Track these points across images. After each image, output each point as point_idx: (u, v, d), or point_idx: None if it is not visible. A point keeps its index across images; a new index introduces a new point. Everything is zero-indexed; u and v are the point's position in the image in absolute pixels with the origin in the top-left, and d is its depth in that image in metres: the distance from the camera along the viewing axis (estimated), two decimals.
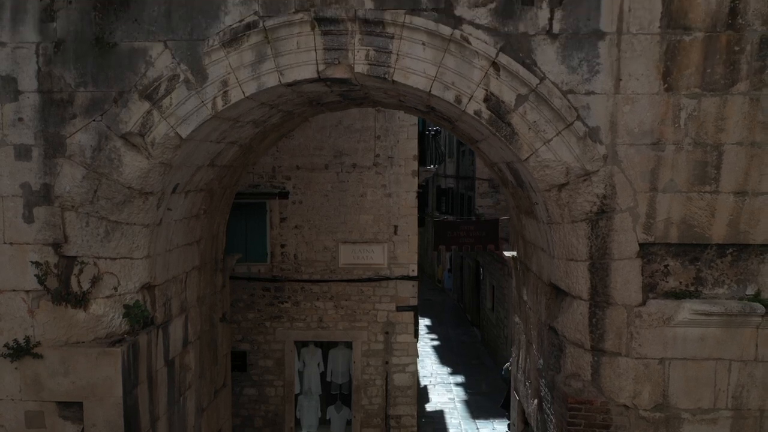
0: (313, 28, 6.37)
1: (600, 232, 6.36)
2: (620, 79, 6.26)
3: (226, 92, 6.55)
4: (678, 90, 6.23)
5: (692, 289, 6.37)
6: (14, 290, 6.82)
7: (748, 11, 6.12)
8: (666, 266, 6.37)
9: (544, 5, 6.25)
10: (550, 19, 6.26)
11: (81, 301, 6.83)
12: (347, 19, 6.31)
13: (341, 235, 13.65)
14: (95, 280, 6.88)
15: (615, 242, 6.35)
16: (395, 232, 13.62)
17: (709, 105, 6.22)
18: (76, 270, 6.83)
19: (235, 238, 12.83)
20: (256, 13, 6.42)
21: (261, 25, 6.36)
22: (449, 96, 6.41)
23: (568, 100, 6.28)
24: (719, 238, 6.32)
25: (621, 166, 6.28)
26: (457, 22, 6.30)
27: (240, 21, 6.43)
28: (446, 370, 20.91)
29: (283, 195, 13.58)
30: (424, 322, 25.44)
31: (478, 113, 6.39)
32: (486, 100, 6.34)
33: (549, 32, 6.27)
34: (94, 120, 6.65)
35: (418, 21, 6.26)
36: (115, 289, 6.97)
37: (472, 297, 26.27)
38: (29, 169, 6.75)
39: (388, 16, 6.27)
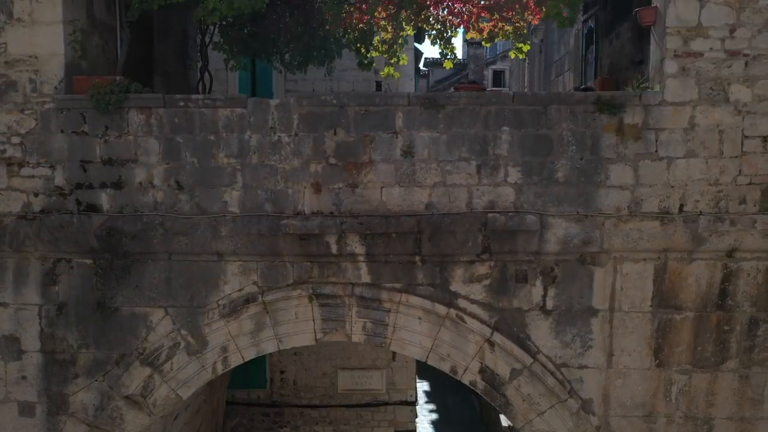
0: (311, 301, 6.50)
1: None
2: (613, 354, 6.39)
3: (225, 358, 6.68)
4: (669, 366, 6.36)
5: None
6: None
7: (737, 293, 6.26)
8: None
9: (538, 283, 6.38)
10: (544, 296, 6.39)
11: None
12: (344, 295, 6.43)
13: (340, 361, 13.74)
14: None
15: None
16: (393, 358, 13.73)
17: (700, 381, 6.36)
18: None
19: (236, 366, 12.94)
20: (255, 283, 6.55)
21: (260, 299, 6.49)
22: (445, 366, 6.55)
23: (562, 374, 6.42)
24: None
25: None
26: (452, 296, 6.43)
27: (239, 290, 6.55)
28: None
29: None
30: (422, 387, 25.53)
31: (473, 383, 6.52)
32: (481, 371, 6.48)
33: (543, 308, 6.40)
34: (96, 380, 6.76)
35: (414, 300, 6.39)
36: None
37: None
38: (33, 425, 6.87)
39: (384, 294, 6.39)
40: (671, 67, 6.05)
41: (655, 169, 6.13)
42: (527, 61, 15.41)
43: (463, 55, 37.92)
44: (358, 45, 9.11)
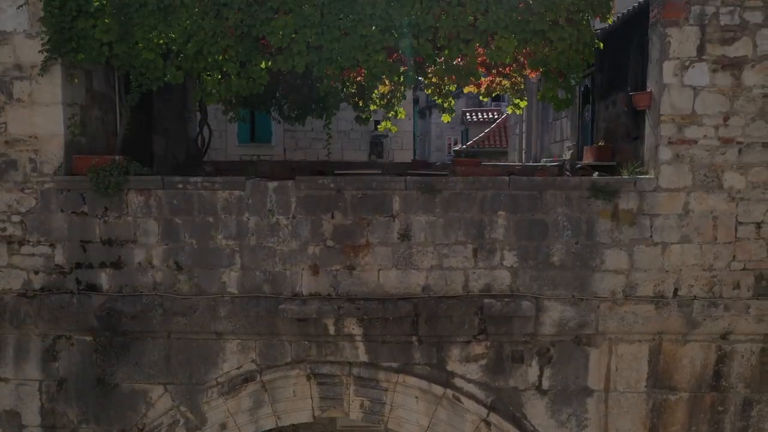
0: (309, 380, 6.56)
1: None
2: None
3: None
4: None
5: None
6: None
7: (731, 374, 6.32)
8: None
9: (534, 363, 6.44)
10: (540, 376, 6.45)
11: None
12: (342, 375, 6.49)
13: None
14: None
15: None
16: None
17: None
18: None
19: None
20: (253, 361, 6.60)
21: (259, 377, 6.55)
22: None
23: None
24: None
25: None
26: (449, 375, 6.49)
27: (238, 368, 6.61)
28: None
29: None
30: None
31: None
32: None
33: (539, 388, 6.46)
34: None
35: (411, 380, 6.45)
36: None
37: None
38: None
39: (381, 374, 6.45)
40: (666, 153, 6.10)
41: (650, 254, 6.19)
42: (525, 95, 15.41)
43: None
44: (356, 99, 9.19)
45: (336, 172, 9.15)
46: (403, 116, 9.83)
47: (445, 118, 9.57)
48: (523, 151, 15.13)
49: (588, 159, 8.07)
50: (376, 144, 13.29)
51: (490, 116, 27.24)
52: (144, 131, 8.37)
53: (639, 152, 6.86)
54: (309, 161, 10.21)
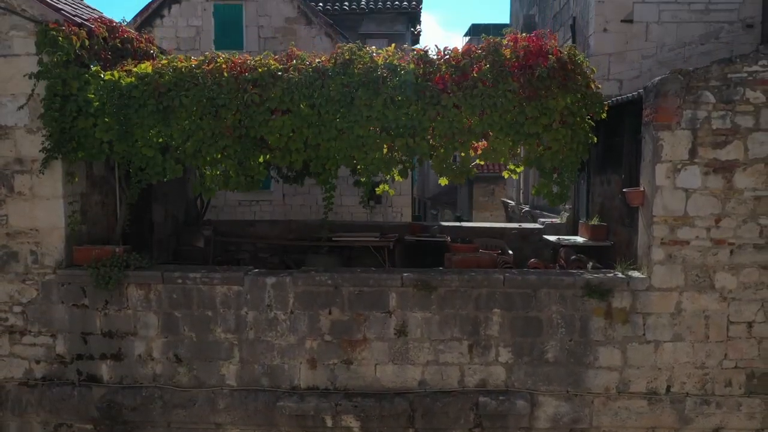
0: None
1: None
2: None
3: None
4: None
5: None
6: None
7: None
8: None
9: None
10: None
11: None
12: None
13: None
14: None
15: None
16: None
17: None
18: None
19: None
20: None
21: None
22: None
23: None
24: None
25: None
26: None
27: None
28: None
29: None
30: None
31: None
32: None
33: None
34: None
35: None
36: None
37: None
38: None
39: None
40: (658, 254, 6.18)
41: (643, 352, 6.28)
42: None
43: None
44: (354, 162, 9.25)
45: (333, 238, 9.29)
46: (401, 179, 9.88)
47: (443, 181, 9.64)
48: (521, 191, 15.24)
49: (583, 235, 8.16)
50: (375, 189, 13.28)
51: None
52: (143, 198, 8.44)
53: (633, 240, 6.95)
54: (307, 222, 10.27)
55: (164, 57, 7.02)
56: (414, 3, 15.94)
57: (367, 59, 6.49)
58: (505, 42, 6.41)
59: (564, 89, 6.20)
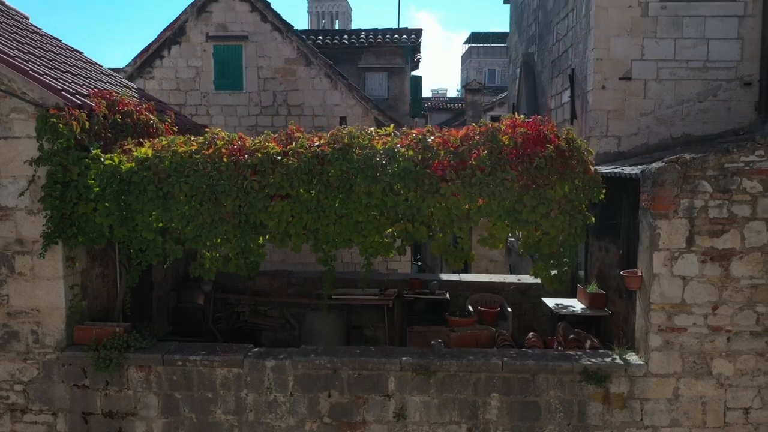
0: None
1: None
2: None
3: None
4: None
5: None
6: None
7: None
8: None
9: None
10: None
11: None
12: None
13: None
14: None
15: None
16: None
17: None
18: None
19: None
20: None
21: None
22: None
23: None
24: None
25: None
26: None
27: None
28: None
29: None
30: None
31: None
32: None
33: None
34: None
35: None
36: None
37: None
38: None
39: None
40: (656, 340, 6.22)
41: None
42: None
43: (461, 102, 38.14)
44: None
45: (333, 296, 9.30)
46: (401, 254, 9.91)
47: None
48: None
49: (582, 300, 8.19)
50: None
51: None
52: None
53: (630, 316, 6.99)
54: (307, 275, 10.29)
55: (164, 137, 7.03)
56: (413, 37, 15.97)
57: (366, 142, 6.52)
58: (503, 128, 6.44)
59: (562, 177, 6.23)
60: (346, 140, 6.52)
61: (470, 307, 9.24)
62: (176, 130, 8.44)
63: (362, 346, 9.84)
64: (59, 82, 7.07)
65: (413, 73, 18.81)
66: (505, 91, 29.92)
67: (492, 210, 6.23)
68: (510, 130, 6.37)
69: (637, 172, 6.58)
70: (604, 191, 6.70)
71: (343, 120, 13.20)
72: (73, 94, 6.91)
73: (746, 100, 9.39)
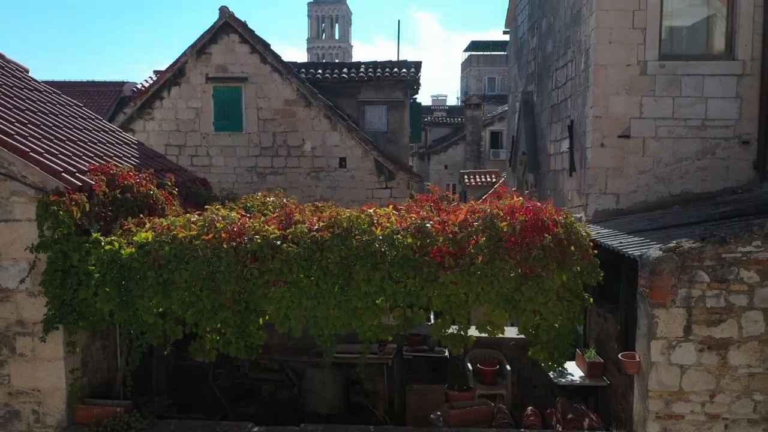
0: None
1: None
2: None
3: None
4: None
5: None
6: None
7: None
8: None
9: None
10: None
11: None
12: None
13: None
14: None
15: None
16: None
17: None
18: None
19: None
20: None
21: None
22: None
23: None
24: None
25: None
26: None
27: None
28: None
29: None
30: None
31: None
32: None
33: None
34: None
35: None
36: None
37: None
38: None
39: None
40: (654, 427, 6.25)
41: None
42: None
43: (460, 117, 38.21)
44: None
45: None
46: None
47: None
48: None
49: (580, 366, 8.22)
50: None
51: (488, 179, 27.34)
52: None
53: (627, 393, 7.02)
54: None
55: (164, 218, 7.05)
56: (413, 71, 16.00)
57: (366, 226, 6.55)
58: (501, 214, 6.47)
59: (561, 265, 6.26)
60: (345, 224, 6.55)
61: (469, 365, 9.28)
62: (176, 192, 8.47)
63: (360, 401, 9.94)
64: (59, 158, 7.11)
65: (413, 98, 18.81)
66: (505, 102, 29.98)
67: (490, 298, 6.26)
68: (509, 217, 6.40)
69: (637, 254, 6.61)
70: (602, 266, 6.73)
71: (342, 161, 13.23)
72: (73, 173, 6.94)
73: (744, 159, 9.43)
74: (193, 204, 8.98)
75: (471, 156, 34.22)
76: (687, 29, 9.80)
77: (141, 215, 7.27)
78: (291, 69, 13.37)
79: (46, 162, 6.75)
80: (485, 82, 58.58)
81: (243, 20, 13.90)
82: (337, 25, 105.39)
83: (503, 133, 33.97)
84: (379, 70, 16.00)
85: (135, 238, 6.60)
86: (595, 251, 6.73)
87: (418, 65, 16.45)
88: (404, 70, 15.93)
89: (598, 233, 8.32)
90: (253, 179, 13.17)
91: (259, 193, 9.30)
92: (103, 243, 6.60)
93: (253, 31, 13.29)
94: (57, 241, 6.42)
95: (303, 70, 16.03)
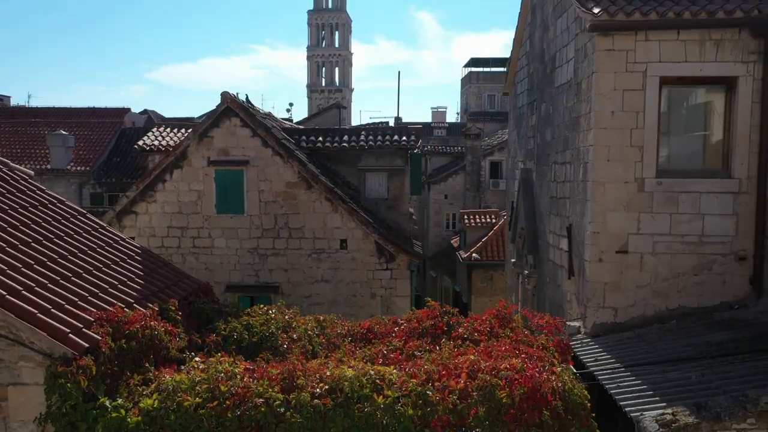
0: None
1: None
2: None
3: None
4: None
5: None
6: None
7: None
8: None
9: None
10: None
11: None
12: None
13: None
14: None
15: None
16: None
17: None
18: None
19: None
20: None
21: None
22: None
23: None
24: None
25: None
26: None
27: None
28: None
29: None
30: None
31: None
32: None
33: None
34: None
35: None
36: None
37: None
38: None
39: None
40: None
41: None
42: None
43: (461, 146, 38.33)
44: None
45: None
46: None
47: None
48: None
49: None
50: None
51: (487, 220, 27.45)
52: None
53: None
54: None
55: (169, 380, 7.17)
56: (413, 139, 16.11)
57: (368, 391, 6.67)
58: (501, 383, 6.59)
59: None
60: (346, 390, 6.67)
61: None
62: (179, 316, 8.59)
63: None
64: (65, 311, 7.22)
65: (412, 152, 18.91)
66: (505, 122, 30.04)
67: (486, 426, 6.38)
68: (508, 389, 6.52)
69: (636, 414, 6.74)
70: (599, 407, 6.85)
71: (343, 242, 13.36)
72: (79, 329, 7.06)
73: (740, 274, 9.56)
74: (195, 323, 9.13)
75: (471, 186, 34.33)
76: (684, 147, 9.93)
77: (146, 362, 7.40)
78: (292, 152, 13.47)
79: (53, 323, 6.86)
80: (485, 99, 58.66)
81: (244, 103, 13.97)
82: (337, 32, 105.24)
83: (503, 164, 34.09)
84: (379, 138, 16.08)
85: (141, 405, 6.72)
86: (592, 410, 6.86)
87: (418, 131, 16.54)
88: (404, 138, 16.02)
89: (597, 361, 8.46)
90: (254, 260, 13.30)
91: (261, 305, 9.45)
92: (109, 409, 6.71)
93: (255, 115, 13.38)
94: (65, 414, 6.54)
95: (304, 137, 16.15)
